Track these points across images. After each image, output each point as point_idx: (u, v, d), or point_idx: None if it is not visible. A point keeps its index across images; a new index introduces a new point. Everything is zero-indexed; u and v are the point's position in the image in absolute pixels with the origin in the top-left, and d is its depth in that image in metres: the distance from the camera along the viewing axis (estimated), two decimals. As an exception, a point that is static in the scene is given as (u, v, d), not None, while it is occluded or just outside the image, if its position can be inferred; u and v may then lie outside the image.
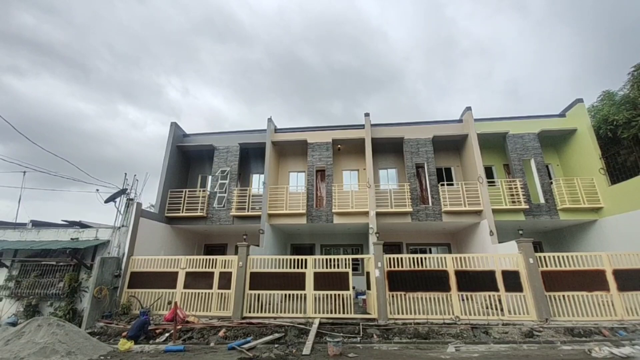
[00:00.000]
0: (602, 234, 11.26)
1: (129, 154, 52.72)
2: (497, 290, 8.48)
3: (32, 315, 9.36)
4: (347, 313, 8.63)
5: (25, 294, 10.04)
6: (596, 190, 11.55)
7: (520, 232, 10.33)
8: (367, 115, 13.51)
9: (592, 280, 8.31)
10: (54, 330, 6.54)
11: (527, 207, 11.59)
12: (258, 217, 12.60)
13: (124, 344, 7.18)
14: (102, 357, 6.51)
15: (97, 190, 11.56)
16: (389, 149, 14.17)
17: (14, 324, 8.60)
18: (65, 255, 10.23)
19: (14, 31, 39.09)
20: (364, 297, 10.14)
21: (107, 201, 11.24)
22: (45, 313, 9.74)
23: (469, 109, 13.11)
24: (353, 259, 10.37)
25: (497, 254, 9.20)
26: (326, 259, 9.45)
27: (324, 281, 9.09)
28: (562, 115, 13.33)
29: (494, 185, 12.82)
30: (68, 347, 6.31)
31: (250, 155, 14.82)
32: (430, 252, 14.97)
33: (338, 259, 9.45)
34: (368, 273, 9.53)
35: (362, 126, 13.67)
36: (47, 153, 11.17)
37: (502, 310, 8.30)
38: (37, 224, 12.70)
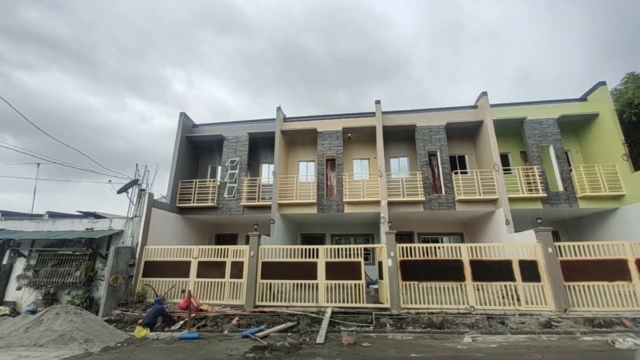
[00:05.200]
0: (624, 223, 10.83)
1: (138, 147, 53.36)
2: (513, 280, 8.29)
3: (50, 303, 9.60)
4: (360, 302, 8.57)
5: (43, 283, 10.29)
6: (618, 177, 11.07)
7: (539, 220, 10.01)
8: (378, 102, 13.16)
9: (613, 270, 8.06)
10: (71, 318, 6.66)
11: (545, 195, 11.20)
12: (268, 207, 12.54)
13: (140, 331, 7.29)
14: (119, 344, 6.62)
15: (110, 181, 11.65)
16: (400, 137, 13.83)
17: (33, 312, 8.83)
18: (81, 245, 10.44)
19: (21, 26, 39.44)
20: (375, 286, 10.07)
21: (119, 192, 11.35)
22: (64, 301, 9.99)
23: (484, 94, 12.63)
24: (363, 249, 10.27)
25: (514, 244, 8.97)
26: (338, 249, 9.36)
27: (335, 271, 9.02)
28: (583, 99, 12.73)
29: (510, 173, 12.41)
30: (85, 334, 6.42)
31: (260, 145, 14.69)
32: (442, 242, 14.76)
33: (350, 249, 9.34)
34: (380, 262, 9.43)
35: (372, 114, 13.34)
36: (59, 146, 11.32)
37: (518, 300, 8.12)
38: (53, 215, 12.94)
